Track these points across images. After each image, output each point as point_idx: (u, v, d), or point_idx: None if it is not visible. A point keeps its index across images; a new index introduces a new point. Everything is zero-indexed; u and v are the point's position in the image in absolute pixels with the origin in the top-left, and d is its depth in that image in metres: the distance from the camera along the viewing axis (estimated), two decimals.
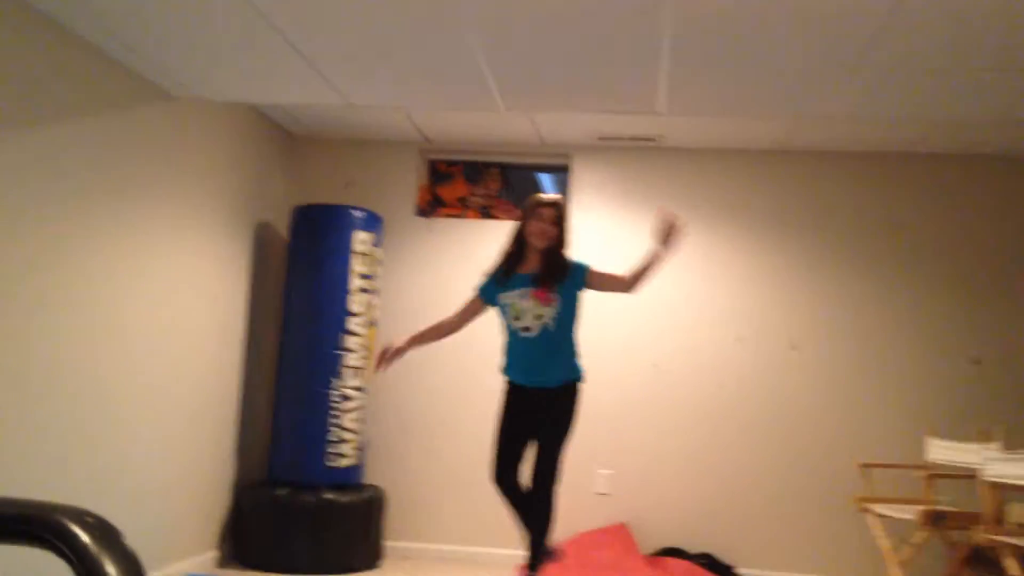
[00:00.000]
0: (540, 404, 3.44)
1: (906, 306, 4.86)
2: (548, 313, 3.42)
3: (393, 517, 4.95)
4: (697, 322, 4.98)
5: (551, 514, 3.42)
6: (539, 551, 3.43)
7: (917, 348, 4.83)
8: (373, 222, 4.75)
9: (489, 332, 4.86)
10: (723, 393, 4.91)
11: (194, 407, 4.20)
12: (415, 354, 5.07)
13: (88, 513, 0.81)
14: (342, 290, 4.59)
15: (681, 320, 4.98)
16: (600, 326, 4.86)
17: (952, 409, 4.72)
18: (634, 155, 5.13)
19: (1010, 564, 3.55)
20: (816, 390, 4.86)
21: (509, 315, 3.48)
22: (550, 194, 3.62)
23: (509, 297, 3.47)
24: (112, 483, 3.55)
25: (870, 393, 4.83)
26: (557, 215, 3.48)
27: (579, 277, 3.47)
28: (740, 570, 4.73)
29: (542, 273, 3.45)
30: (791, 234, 4.98)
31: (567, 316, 3.45)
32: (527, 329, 3.43)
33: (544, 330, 3.42)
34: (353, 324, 4.59)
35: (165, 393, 3.94)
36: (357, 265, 4.63)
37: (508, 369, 3.54)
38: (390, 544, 4.90)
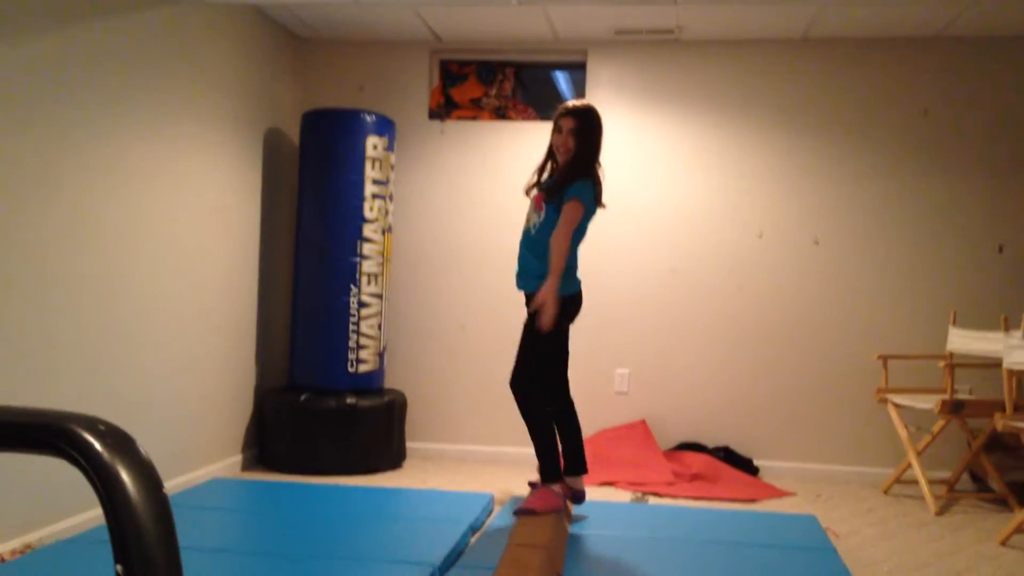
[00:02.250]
0: (529, 314, 3.37)
1: (929, 196, 4.78)
2: (534, 220, 3.36)
3: (414, 419, 5.03)
4: (718, 220, 4.92)
5: (528, 421, 3.34)
6: (540, 463, 3.36)
7: (940, 238, 4.77)
8: (385, 126, 4.68)
9: (505, 237, 4.85)
10: (743, 290, 4.89)
11: (212, 315, 4.23)
12: (432, 259, 5.11)
13: (100, 421, 0.80)
14: (356, 196, 4.55)
15: (702, 218, 4.93)
16: (618, 224, 4.82)
17: (975, 299, 4.69)
18: (652, 50, 4.99)
19: None
20: (838, 284, 4.83)
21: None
22: (578, 101, 3.44)
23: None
24: (135, 393, 3.61)
25: (893, 285, 4.79)
26: (577, 126, 3.32)
27: (563, 201, 3.28)
28: (759, 462, 4.79)
29: (547, 181, 3.40)
30: (813, 127, 4.87)
31: (550, 227, 3.29)
32: (526, 230, 3.42)
33: (527, 233, 3.39)
34: (368, 230, 4.57)
35: (182, 302, 3.96)
36: (370, 170, 4.58)
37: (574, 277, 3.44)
38: (412, 445, 4.99)
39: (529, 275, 3.36)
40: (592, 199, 3.32)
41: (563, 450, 3.42)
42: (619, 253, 4.92)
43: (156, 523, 0.74)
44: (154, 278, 3.72)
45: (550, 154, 3.43)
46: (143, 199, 3.61)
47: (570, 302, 3.33)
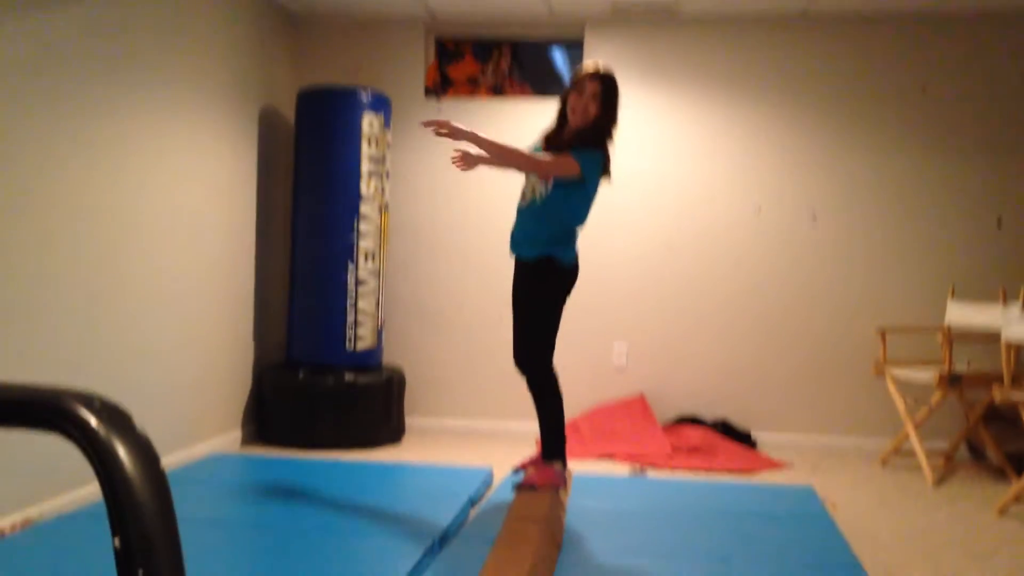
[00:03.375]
0: (519, 279, 3.29)
1: (928, 171, 4.77)
2: (540, 190, 3.20)
3: (413, 395, 5.05)
4: (717, 196, 4.92)
5: (539, 398, 3.25)
6: (545, 440, 3.29)
7: (939, 212, 4.77)
8: (381, 104, 4.66)
9: (502, 215, 4.83)
10: (741, 265, 4.89)
11: (210, 292, 4.23)
12: (429, 236, 5.10)
13: (97, 397, 0.80)
14: (352, 174, 4.54)
15: (700, 194, 4.92)
16: (616, 200, 4.82)
17: (974, 272, 4.69)
18: (650, 27, 4.96)
19: None
20: (836, 259, 4.84)
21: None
22: (604, 65, 3.22)
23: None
24: (133, 369, 3.61)
25: (891, 260, 4.80)
26: (602, 91, 3.14)
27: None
28: (757, 434, 4.81)
29: (554, 146, 3.20)
30: (812, 103, 4.86)
31: (557, 199, 3.16)
32: (523, 197, 3.27)
33: (531, 204, 3.22)
34: (365, 208, 4.56)
35: (180, 280, 3.96)
36: (366, 148, 4.56)
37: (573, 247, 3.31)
38: (411, 421, 5.02)
39: (528, 240, 3.22)
40: (598, 171, 3.18)
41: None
42: (617, 228, 4.92)
43: (153, 498, 0.75)
44: (152, 256, 3.72)
45: (562, 117, 3.26)
46: (139, 177, 3.60)
47: (567, 272, 3.24)
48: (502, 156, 3.19)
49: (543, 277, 3.22)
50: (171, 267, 3.88)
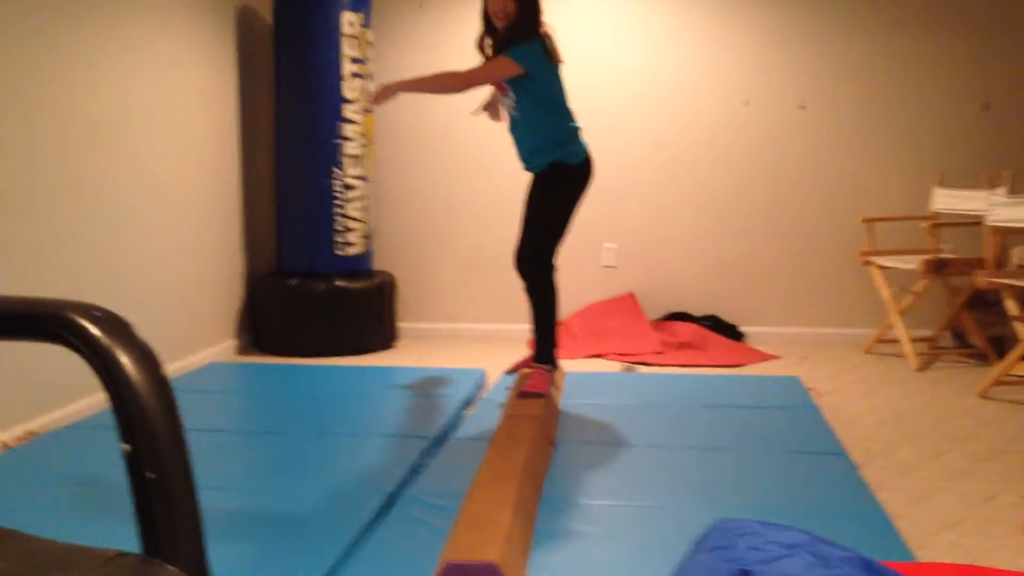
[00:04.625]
0: (534, 187, 3.26)
1: (913, 55, 4.71)
2: (510, 105, 3.16)
3: (405, 300, 5.08)
4: (703, 89, 4.85)
5: (539, 301, 3.22)
6: (540, 344, 3.27)
7: (925, 97, 4.73)
8: (361, 2, 4.54)
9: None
10: (729, 159, 4.87)
11: (197, 202, 4.21)
12: (417, 139, 5.05)
13: (97, 307, 0.82)
14: (334, 76, 4.45)
15: (686, 88, 4.86)
16: (601, 97, 4.77)
17: (961, 158, 4.69)
18: None
19: (1010, 305, 3.65)
20: (824, 148, 4.82)
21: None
22: None
23: None
24: (125, 280, 3.62)
25: (878, 148, 4.78)
26: None
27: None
28: (745, 328, 4.89)
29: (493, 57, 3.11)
30: None
31: (528, 106, 3.11)
32: (508, 119, 3.24)
33: (514, 120, 3.19)
34: (349, 111, 4.50)
35: (167, 190, 3.93)
36: (347, 49, 4.47)
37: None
38: (403, 326, 5.06)
39: (532, 153, 3.20)
40: (540, 59, 3.06)
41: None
42: (603, 126, 4.86)
43: (159, 402, 0.77)
44: (136, 166, 3.68)
45: (488, 26, 3.14)
46: (117, 85, 3.53)
47: (580, 171, 3.21)
48: (435, 86, 3.18)
49: (557, 182, 3.19)
50: (156, 177, 3.84)
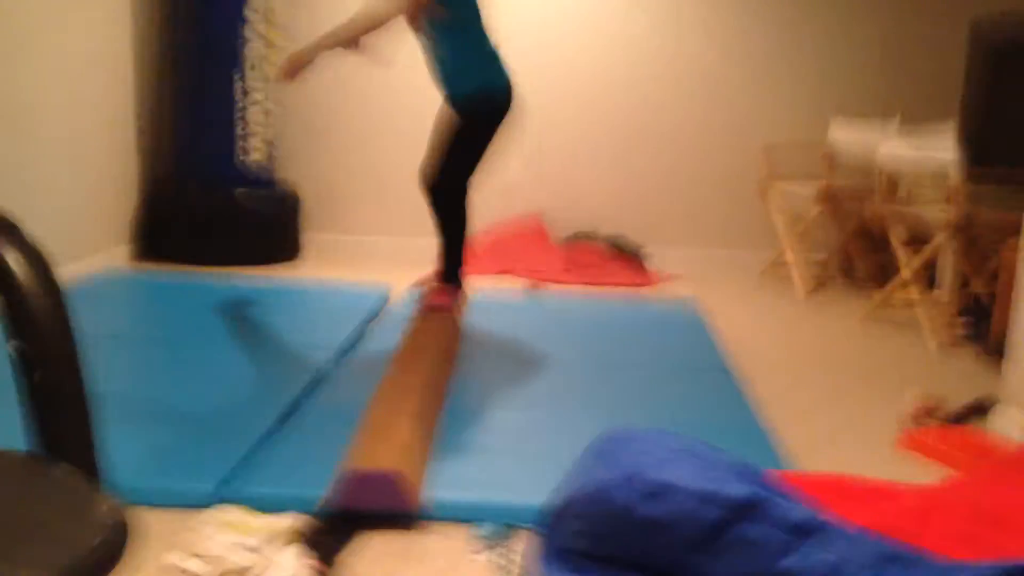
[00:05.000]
0: (453, 113, 3.18)
1: None
2: (423, 41, 3.13)
3: (310, 211, 5.00)
4: (610, 13, 4.83)
5: (445, 222, 3.21)
6: (446, 263, 3.27)
7: (830, 27, 4.82)
8: None
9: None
10: (637, 81, 4.90)
11: (88, 100, 4.01)
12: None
13: None
14: None
15: (597, 13, 4.83)
16: (518, 21, 4.71)
17: (862, 90, 4.81)
18: None
19: (896, 232, 3.82)
20: (729, 74, 4.88)
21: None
22: None
23: None
24: (13, 179, 3.46)
25: (783, 76, 4.87)
26: None
27: None
28: (648, 249, 4.99)
29: None
30: None
31: (448, 24, 3.04)
32: (426, 51, 3.16)
33: (432, 42, 3.12)
34: (249, 12, 4.32)
35: (58, 85, 3.74)
36: None
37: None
38: (308, 237, 4.98)
39: (457, 76, 3.11)
40: None
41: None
42: (516, 50, 4.81)
43: (49, 302, 0.75)
44: (26, 63, 3.48)
45: None
46: None
47: (504, 98, 3.13)
48: (356, 32, 2.98)
49: (477, 111, 3.12)
50: (50, 74, 3.64)
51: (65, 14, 3.78)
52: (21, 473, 0.77)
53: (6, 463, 0.76)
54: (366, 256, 4.89)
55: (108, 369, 2.61)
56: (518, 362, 2.93)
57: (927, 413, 2.57)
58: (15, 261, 0.76)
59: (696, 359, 3.06)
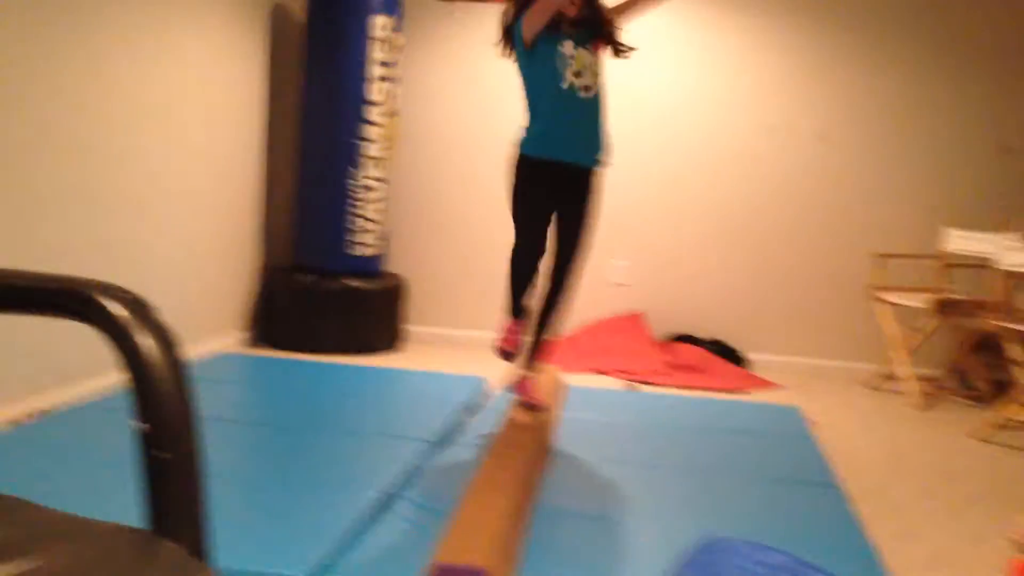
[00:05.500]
0: (573, 184, 2.92)
1: (935, 93, 4.73)
2: (587, 80, 2.78)
3: (413, 304, 5.12)
4: (726, 113, 4.89)
5: (564, 301, 3.05)
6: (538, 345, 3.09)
7: (944, 137, 4.75)
8: (392, 6, 4.59)
9: (510, 125, 4.80)
10: (746, 185, 4.90)
11: (217, 193, 4.26)
12: (438, 144, 5.09)
13: (120, 288, 0.85)
14: (361, 77, 4.51)
15: (709, 111, 4.89)
16: (622, 112, 4.80)
17: (976, 200, 4.70)
18: None
19: (1014, 349, 3.66)
20: (839, 181, 4.84)
21: (563, 67, 2.74)
22: None
23: (566, 45, 2.74)
24: (140, 266, 3.67)
25: (892, 184, 4.80)
26: None
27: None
28: (750, 355, 4.90)
29: (595, 18, 2.81)
30: (821, 19, 4.78)
31: (603, 76, 2.84)
32: (587, 89, 2.78)
33: (583, 101, 2.78)
34: (373, 113, 4.55)
35: (188, 180, 3.99)
36: (376, 52, 4.52)
37: (544, 139, 2.82)
38: (410, 329, 5.09)
39: (594, 142, 2.86)
40: None
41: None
42: (624, 145, 4.90)
43: (175, 384, 0.80)
44: (159, 154, 3.73)
45: None
46: (146, 73, 3.59)
47: (534, 166, 2.85)
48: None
49: (597, 190, 2.95)
50: (179, 166, 3.89)
51: (203, 106, 4.05)
52: (132, 550, 0.80)
53: (121, 539, 0.80)
54: (465, 349, 4.96)
55: (213, 452, 2.69)
56: (611, 461, 2.89)
57: None
58: (147, 342, 0.82)
59: (799, 470, 2.96)
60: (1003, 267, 3.71)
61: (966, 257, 4.31)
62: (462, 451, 2.89)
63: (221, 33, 4.16)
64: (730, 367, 4.69)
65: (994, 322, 3.65)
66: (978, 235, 4.24)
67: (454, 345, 5.05)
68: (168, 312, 3.04)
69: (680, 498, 2.62)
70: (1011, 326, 3.63)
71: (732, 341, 4.93)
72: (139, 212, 3.63)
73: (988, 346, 4.47)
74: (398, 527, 2.22)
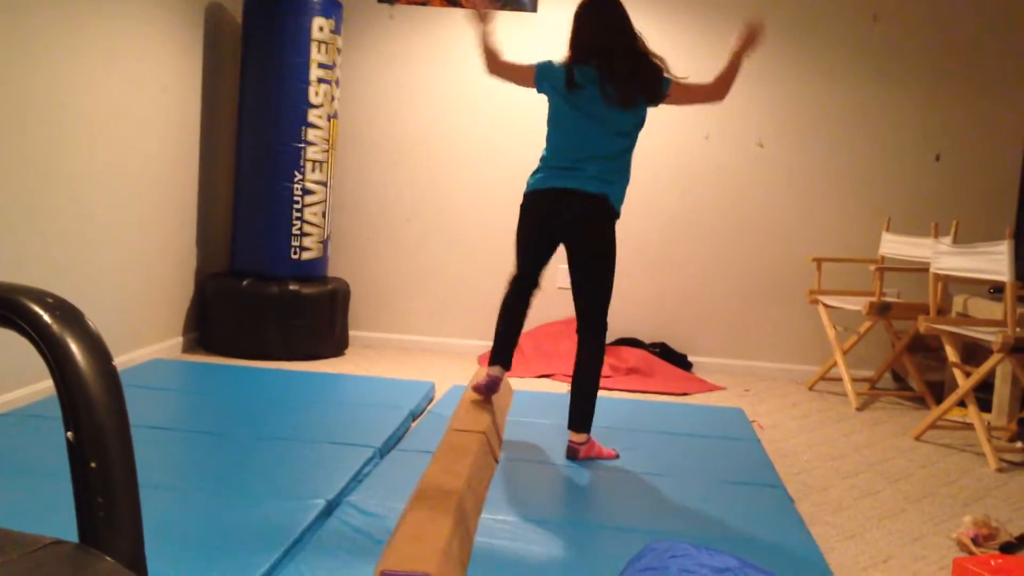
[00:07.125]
0: (587, 237, 2.97)
1: (871, 102, 4.84)
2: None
3: (357, 309, 5.07)
4: (664, 122, 4.93)
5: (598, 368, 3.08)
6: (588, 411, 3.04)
7: (881, 145, 4.86)
8: (332, 8, 4.54)
9: (453, 128, 4.82)
10: (686, 192, 4.95)
11: (152, 195, 4.16)
12: (379, 147, 5.05)
13: (49, 294, 0.81)
14: (301, 80, 4.45)
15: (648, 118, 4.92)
16: None
17: (909, 206, 4.82)
18: None
19: (949, 351, 3.75)
20: (778, 187, 4.92)
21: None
22: None
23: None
24: (71, 271, 3.57)
25: (831, 190, 4.89)
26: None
27: (665, 91, 3.35)
28: (693, 358, 4.95)
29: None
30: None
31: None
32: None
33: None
34: (313, 116, 4.49)
35: (122, 181, 3.89)
36: (316, 53, 4.47)
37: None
38: (355, 334, 5.04)
39: (603, 179, 3.00)
40: None
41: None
42: None
43: (106, 393, 0.77)
44: (94, 157, 3.63)
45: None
46: (80, 76, 3.49)
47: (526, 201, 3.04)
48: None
49: (612, 230, 2.97)
50: (114, 169, 3.79)
51: (135, 108, 3.95)
52: (63, 564, 0.77)
53: (51, 553, 0.76)
54: (410, 354, 4.92)
55: (148, 462, 2.63)
56: (558, 465, 2.89)
57: (983, 539, 2.47)
58: (76, 350, 0.78)
59: (743, 472, 2.99)
60: (936, 270, 3.80)
61: (901, 261, 4.41)
62: (408, 457, 2.86)
63: (154, 33, 4.06)
64: (674, 370, 4.73)
65: (927, 324, 3.74)
66: (913, 239, 4.34)
67: (401, 350, 5.01)
68: (104, 318, 2.97)
69: (627, 501, 2.63)
70: (947, 328, 3.72)
71: (676, 344, 4.97)
72: (74, 218, 3.52)
73: (922, 347, 4.58)
74: (343, 535, 2.19)
